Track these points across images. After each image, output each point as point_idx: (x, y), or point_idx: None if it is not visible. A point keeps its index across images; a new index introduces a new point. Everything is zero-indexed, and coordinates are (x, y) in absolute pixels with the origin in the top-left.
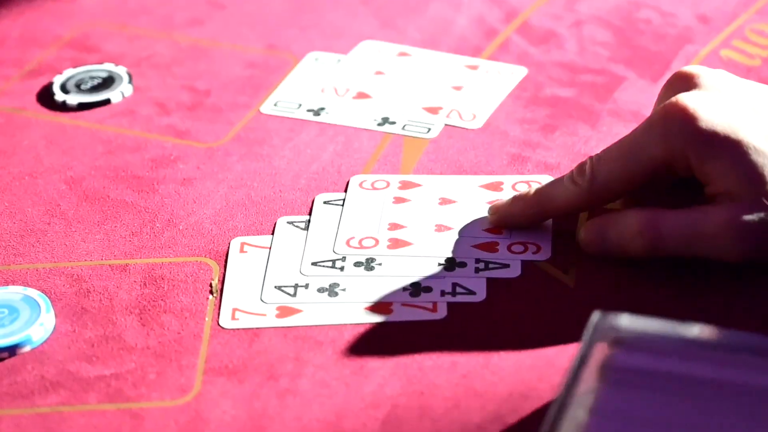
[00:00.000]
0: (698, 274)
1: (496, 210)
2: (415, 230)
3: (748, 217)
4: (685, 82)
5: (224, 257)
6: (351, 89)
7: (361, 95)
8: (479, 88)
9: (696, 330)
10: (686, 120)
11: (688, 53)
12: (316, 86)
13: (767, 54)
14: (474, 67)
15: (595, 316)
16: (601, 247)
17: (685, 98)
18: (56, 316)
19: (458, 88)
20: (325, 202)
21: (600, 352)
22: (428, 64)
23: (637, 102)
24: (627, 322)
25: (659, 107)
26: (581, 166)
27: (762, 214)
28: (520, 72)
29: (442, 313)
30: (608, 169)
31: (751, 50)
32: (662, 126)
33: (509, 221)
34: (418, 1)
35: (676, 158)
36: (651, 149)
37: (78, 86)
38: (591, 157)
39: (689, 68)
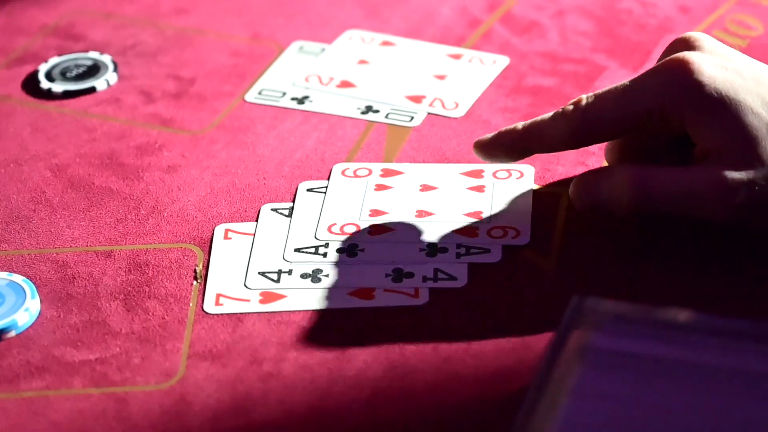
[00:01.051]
0: (679, 260)
1: (481, 144)
2: (397, 216)
3: (736, 177)
4: (687, 45)
5: (208, 244)
6: (335, 78)
7: (345, 84)
8: (462, 78)
9: (672, 313)
10: (689, 73)
11: (668, 43)
12: (301, 75)
13: (747, 44)
14: (457, 57)
15: (574, 300)
16: (590, 201)
17: (690, 54)
18: (41, 301)
19: (441, 77)
20: (308, 190)
21: (578, 335)
22: (411, 53)
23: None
24: (605, 305)
25: (664, 59)
26: (575, 105)
27: (751, 175)
28: (502, 61)
29: (423, 298)
30: (602, 108)
31: (731, 40)
32: (664, 75)
33: (494, 153)
34: None
35: (672, 109)
36: (648, 96)
37: (63, 74)
38: (583, 97)
39: (692, 33)
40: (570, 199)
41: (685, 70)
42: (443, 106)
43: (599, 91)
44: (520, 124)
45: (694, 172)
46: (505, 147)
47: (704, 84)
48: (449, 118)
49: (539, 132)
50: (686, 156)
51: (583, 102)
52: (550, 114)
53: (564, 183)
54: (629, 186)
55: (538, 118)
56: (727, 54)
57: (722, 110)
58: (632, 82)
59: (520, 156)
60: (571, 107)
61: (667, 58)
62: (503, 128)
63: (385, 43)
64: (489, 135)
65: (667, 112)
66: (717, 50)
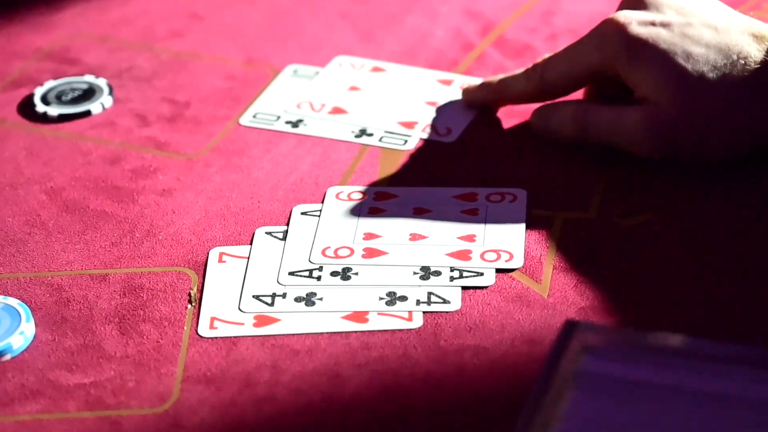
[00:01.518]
0: (672, 286)
1: (466, 91)
2: (391, 240)
3: (659, 118)
4: (634, 1)
5: (203, 267)
6: (327, 104)
7: (337, 110)
8: (453, 103)
9: (664, 339)
10: (618, 31)
11: None
12: (293, 102)
13: None
14: (447, 82)
15: (567, 324)
16: (544, 129)
17: (621, 13)
18: (36, 325)
19: (432, 104)
20: (302, 213)
21: (571, 359)
22: (402, 79)
23: None
24: (597, 330)
25: (601, 21)
26: (534, 67)
27: (672, 116)
28: None
29: (417, 322)
30: (553, 69)
31: None
32: (598, 36)
33: (475, 102)
34: (395, 14)
35: (608, 65)
36: (588, 56)
37: (59, 98)
38: (542, 59)
39: None
40: (531, 125)
41: (614, 29)
42: (436, 131)
43: (552, 54)
44: (497, 78)
45: (626, 110)
46: (482, 96)
47: (629, 40)
48: (442, 143)
49: (507, 88)
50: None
51: (540, 65)
52: (520, 71)
53: (557, 207)
54: (572, 120)
55: (510, 73)
56: (665, 8)
57: (646, 62)
58: (575, 44)
59: (494, 105)
60: (531, 72)
61: (605, 18)
62: (487, 79)
63: (376, 69)
64: (475, 83)
65: (603, 67)
66: (659, 3)
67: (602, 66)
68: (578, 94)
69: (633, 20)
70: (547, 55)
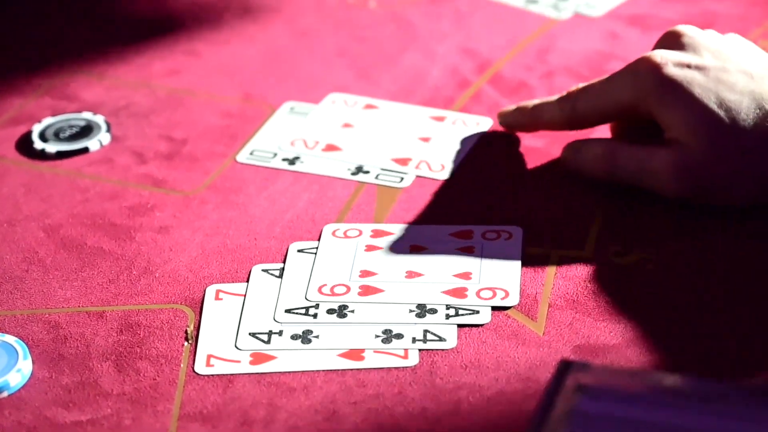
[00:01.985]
0: (667, 324)
1: (502, 116)
2: (387, 277)
3: (688, 161)
4: (671, 39)
5: (200, 304)
6: (320, 141)
7: (331, 147)
8: (446, 140)
9: (659, 378)
10: (652, 71)
11: None
12: (287, 139)
13: None
14: (440, 119)
15: (562, 363)
16: (573, 164)
17: (657, 52)
18: (33, 362)
19: (426, 140)
20: (299, 251)
21: (566, 398)
22: (395, 116)
23: None
24: (592, 370)
25: (638, 58)
26: (567, 95)
27: (701, 160)
28: (485, 123)
29: (413, 359)
30: (586, 101)
31: None
32: (632, 73)
33: (508, 125)
34: (392, 52)
35: (641, 103)
36: (621, 93)
37: (57, 134)
38: (576, 89)
39: (680, 28)
40: (561, 159)
41: (649, 68)
42: (429, 168)
43: (586, 84)
44: (531, 103)
45: (655, 152)
46: (516, 120)
47: (664, 81)
48: (437, 180)
49: (540, 114)
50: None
51: (573, 95)
52: (554, 98)
53: (552, 245)
54: (602, 158)
55: (546, 99)
56: (702, 50)
57: (678, 104)
58: (609, 78)
59: (526, 130)
60: (564, 102)
61: (639, 57)
62: (522, 103)
63: (369, 106)
64: (511, 107)
65: (635, 105)
66: (697, 45)
67: (634, 103)
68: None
69: (669, 61)
70: (581, 85)
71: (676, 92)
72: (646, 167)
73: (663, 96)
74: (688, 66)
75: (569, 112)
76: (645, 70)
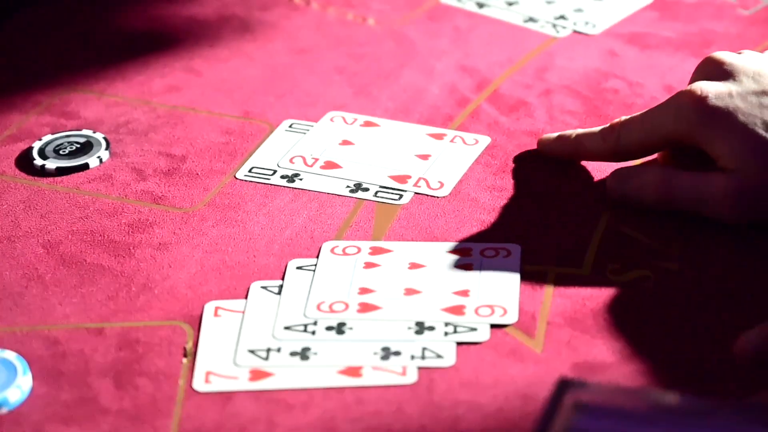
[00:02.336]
0: (661, 342)
1: (543, 143)
2: (385, 294)
3: (743, 187)
4: (711, 67)
5: (198, 321)
6: (320, 159)
7: (330, 165)
8: (444, 157)
9: (657, 396)
10: (695, 105)
11: None
12: (286, 156)
13: None
14: (439, 137)
15: (560, 381)
16: (621, 193)
17: (697, 85)
18: (33, 378)
19: (424, 157)
20: (297, 268)
21: (564, 416)
22: (394, 133)
23: (603, 170)
24: (591, 388)
25: (678, 91)
26: (612, 127)
27: (755, 185)
28: (484, 141)
29: (411, 377)
30: (629, 136)
31: None
32: (675, 107)
33: (551, 154)
34: (390, 70)
35: (686, 137)
36: (665, 126)
37: (57, 151)
38: (619, 121)
39: (718, 55)
40: (606, 188)
41: (691, 102)
42: (428, 185)
43: (630, 116)
44: (574, 133)
45: (709, 178)
46: (557, 149)
47: (707, 114)
48: (435, 197)
49: (582, 145)
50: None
51: (618, 127)
52: (596, 130)
53: (551, 263)
54: (654, 186)
55: (587, 130)
56: (741, 75)
57: (725, 135)
58: (652, 111)
59: (568, 159)
60: (608, 134)
61: (682, 89)
62: (563, 132)
63: (367, 124)
64: (552, 136)
65: (681, 137)
66: (735, 71)
67: (679, 136)
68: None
69: (709, 93)
70: (624, 118)
71: (721, 123)
72: (703, 195)
73: (708, 128)
74: (729, 95)
75: (613, 143)
76: (687, 104)
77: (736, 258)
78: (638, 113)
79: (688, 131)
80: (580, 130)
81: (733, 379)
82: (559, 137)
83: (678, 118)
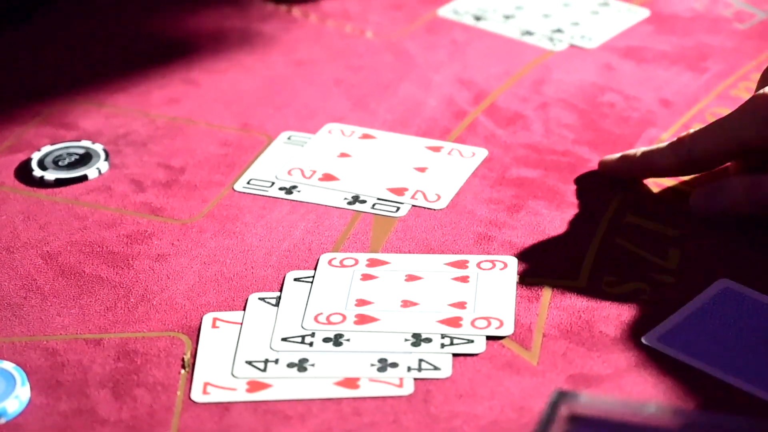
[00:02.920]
0: (655, 355)
1: (605, 164)
2: (382, 306)
3: None
4: None
5: (197, 332)
6: (317, 171)
7: (328, 177)
8: (442, 170)
9: (651, 409)
10: None
11: (650, 136)
12: (284, 168)
13: None
14: (436, 149)
15: (555, 392)
16: (708, 211)
17: None
18: (31, 388)
19: (422, 170)
20: (295, 279)
21: (559, 428)
22: (391, 146)
23: (599, 183)
24: (585, 399)
25: (752, 96)
26: (680, 141)
27: None
28: (481, 153)
29: (408, 388)
30: (702, 147)
31: None
32: (750, 114)
33: (616, 174)
34: (389, 83)
35: (761, 142)
36: (742, 133)
37: (56, 162)
38: (688, 134)
39: None
40: (691, 207)
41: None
42: (425, 198)
43: (700, 128)
44: (639, 151)
45: None
46: (623, 169)
47: None
48: (432, 209)
49: (651, 162)
50: None
51: (687, 140)
52: (664, 145)
53: (547, 275)
54: (746, 195)
55: (654, 147)
56: None
57: None
58: (726, 119)
59: (634, 178)
60: (678, 147)
61: (756, 93)
62: (627, 152)
63: (365, 136)
64: (615, 156)
65: (758, 144)
66: None
67: (755, 144)
68: None
69: None
70: (692, 130)
71: None
72: None
73: None
74: None
75: (685, 155)
76: (763, 108)
77: (731, 271)
78: (707, 124)
79: (764, 137)
80: (644, 148)
81: (728, 391)
82: (623, 157)
83: (756, 123)
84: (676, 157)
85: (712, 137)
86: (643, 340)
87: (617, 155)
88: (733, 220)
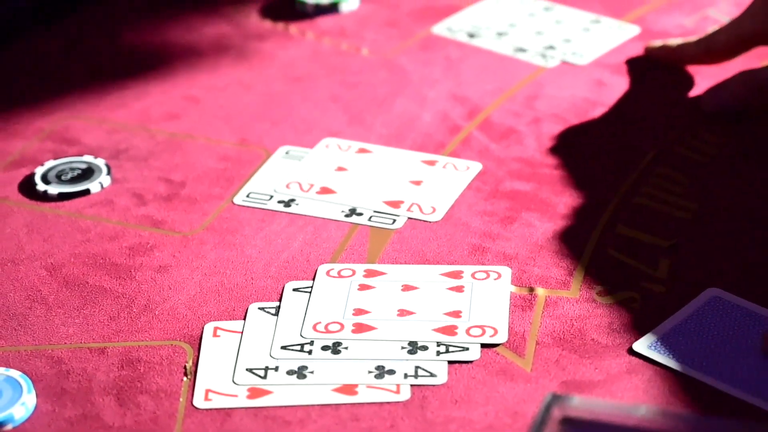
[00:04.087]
0: (645, 361)
1: (649, 50)
2: (379, 315)
3: None
4: None
5: (198, 341)
6: (315, 184)
7: (325, 190)
8: (437, 183)
9: (643, 411)
10: None
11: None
12: (282, 182)
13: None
14: (431, 163)
15: (548, 396)
16: (715, 106)
17: None
18: (37, 396)
19: (417, 183)
20: (294, 290)
21: (551, 430)
22: (387, 160)
23: (591, 196)
24: (577, 402)
25: None
26: (705, 36)
27: None
28: (475, 167)
29: (405, 394)
30: (719, 39)
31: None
32: (762, 8)
33: (656, 58)
34: (384, 98)
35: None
36: (753, 20)
37: (59, 177)
38: (711, 31)
39: None
40: (701, 104)
41: None
42: (421, 210)
43: (721, 25)
44: (675, 43)
45: None
46: (662, 56)
47: None
48: (428, 222)
49: (682, 52)
50: None
51: (710, 34)
52: (694, 39)
53: (540, 284)
54: (743, 84)
55: (686, 40)
56: None
57: None
58: (738, 16)
59: (671, 63)
60: (703, 37)
61: None
62: (666, 42)
63: (362, 151)
64: (657, 43)
65: (766, 31)
66: None
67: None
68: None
69: None
70: (712, 28)
71: None
72: None
73: None
74: None
75: (707, 47)
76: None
77: (719, 281)
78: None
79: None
80: (678, 40)
81: (722, 396)
82: (663, 47)
83: (766, 14)
84: (699, 48)
85: (728, 30)
86: (633, 347)
87: (659, 43)
88: (738, 115)
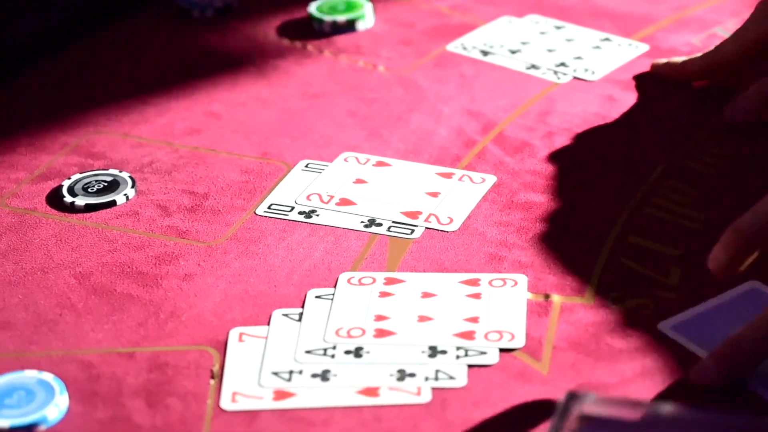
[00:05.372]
0: (659, 363)
1: (655, 68)
2: (400, 321)
3: None
4: None
5: (224, 346)
6: (335, 196)
7: (345, 201)
8: (454, 195)
9: (661, 408)
10: None
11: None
12: (303, 194)
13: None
14: (448, 176)
15: (565, 396)
16: (734, 118)
17: None
18: (69, 398)
19: (434, 195)
20: (316, 297)
21: (570, 427)
22: (405, 173)
23: (603, 207)
24: (596, 400)
25: (761, 1)
26: (710, 51)
27: None
28: (490, 179)
29: (426, 396)
30: (725, 50)
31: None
32: (764, 12)
33: (661, 76)
34: (400, 113)
35: None
36: (756, 28)
37: (85, 189)
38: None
39: None
40: (723, 119)
41: None
42: (438, 221)
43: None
44: (680, 60)
45: None
46: (668, 74)
47: None
48: (445, 232)
49: (688, 67)
50: None
51: (714, 48)
52: (699, 54)
53: (555, 291)
54: (756, 95)
55: (691, 56)
56: None
57: None
58: (742, 26)
59: (677, 81)
60: (707, 52)
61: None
62: (671, 59)
63: (380, 164)
64: (662, 61)
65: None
66: None
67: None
68: None
69: None
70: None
71: None
72: None
73: None
74: None
75: (713, 56)
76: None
77: (729, 286)
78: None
79: None
80: (683, 57)
81: (733, 399)
82: (668, 64)
83: (758, 21)
84: (705, 61)
85: (733, 40)
86: (658, 326)
87: (664, 61)
88: (757, 125)
